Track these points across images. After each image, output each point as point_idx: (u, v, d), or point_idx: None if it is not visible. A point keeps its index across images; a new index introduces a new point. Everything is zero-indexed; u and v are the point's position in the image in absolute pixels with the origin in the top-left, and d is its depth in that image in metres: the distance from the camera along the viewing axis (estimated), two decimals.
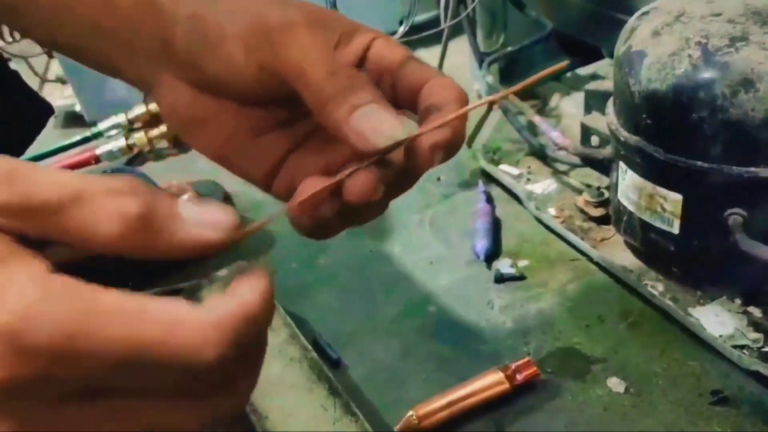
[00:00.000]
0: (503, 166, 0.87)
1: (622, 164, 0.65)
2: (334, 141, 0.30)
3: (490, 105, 0.95)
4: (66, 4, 0.33)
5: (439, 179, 0.90)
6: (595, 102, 0.77)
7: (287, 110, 0.34)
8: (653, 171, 0.61)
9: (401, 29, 0.85)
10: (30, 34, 0.36)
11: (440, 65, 0.92)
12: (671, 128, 0.58)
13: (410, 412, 0.58)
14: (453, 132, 0.29)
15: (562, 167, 0.83)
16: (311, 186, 0.28)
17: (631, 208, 0.65)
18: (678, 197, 0.59)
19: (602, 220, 0.74)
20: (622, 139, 0.63)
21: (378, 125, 0.27)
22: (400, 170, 0.30)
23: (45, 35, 0.35)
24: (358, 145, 0.27)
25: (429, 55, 1.09)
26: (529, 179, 0.84)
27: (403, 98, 0.32)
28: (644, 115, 0.59)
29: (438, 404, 0.58)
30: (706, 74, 0.55)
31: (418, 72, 0.31)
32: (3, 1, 0.34)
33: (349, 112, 0.28)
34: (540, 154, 0.85)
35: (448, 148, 0.29)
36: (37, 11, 0.34)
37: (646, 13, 0.62)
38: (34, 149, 0.83)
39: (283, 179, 0.33)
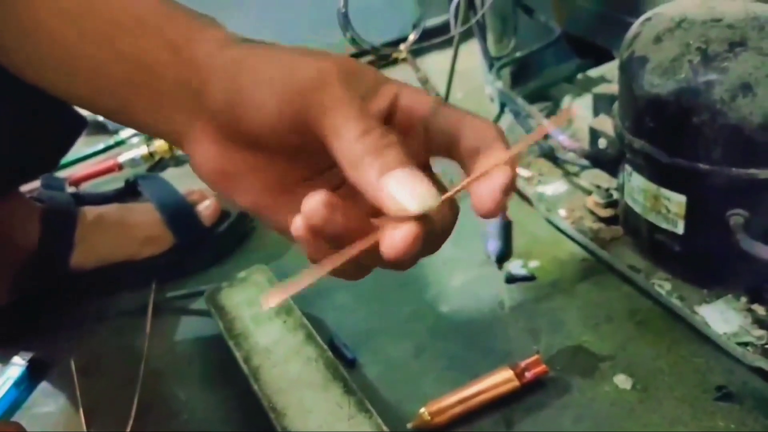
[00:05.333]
0: None
1: (627, 166, 0.66)
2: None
3: (502, 106, 0.97)
4: (101, 60, 0.34)
5: (452, 181, 0.91)
6: (602, 105, 0.79)
7: (316, 161, 0.34)
8: (657, 173, 0.62)
9: (412, 35, 0.87)
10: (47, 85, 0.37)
11: (452, 69, 0.93)
12: (674, 132, 0.59)
13: (423, 409, 0.60)
14: (512, 169, 0.29)
15: (573, 169, 0.85)
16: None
17: (636, 209, 0.66)
18: (681, 199, 0.61)
19: (611, 221, 0.75)
20: (627, 142, 0.64)
21: (411, 190, 0.27)
22: (437, 228, 0.30)
23: (67, 89, 0.36)
24: (391, 209, 0.27)
25: (441, 58, 1.11)
26: (540, 181, 0.85)
27: (437, 145, 0.33)
28: (647, 119, 0.61)
29: (450, 401, 0.60)
30: (706, 79, 0.56)
31: (451, 116, 0.32)
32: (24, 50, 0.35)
33: (380, 174, 0.27)
34: (550, 156, 0.86)
35: (510, 188, 0.29)
36: (63, 66, 0.35)
37: (648, 19, 0.64)
38: None
39: None
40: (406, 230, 0.27)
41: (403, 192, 0.27)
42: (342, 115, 0.29)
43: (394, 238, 0.27)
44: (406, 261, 0.28)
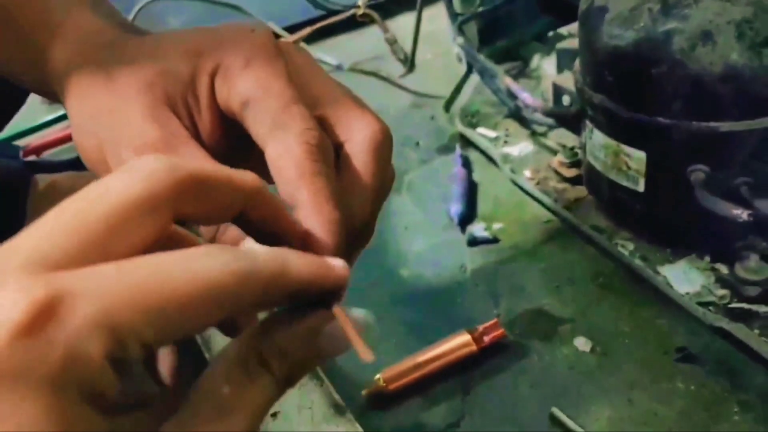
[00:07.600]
0: (481, 129, 0.86)
1: (588, 123, 0.64)
2: None
3: (470, 67, 0.93)
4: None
5: (417, 144, 0.89)
6: (566, 61, 0.76)
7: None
8: (617, 129, 0.60)
9: None
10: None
11: (417, 27, 0.90)
12: (633, 85, 0.57)
13: (378, 375, 0.58)
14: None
15: (540, 129, 0.82)
16: None
17: (598, 167, 0.64)
18: (642, 155, 0.59)
19: (576, 181, 0.73)
20: (587, 97, 0.62)
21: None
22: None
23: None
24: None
25: (411, 20, 1.07)
26: (506, 142, 0.83)
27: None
28: (606, 73, 0.59)
29: (405, 366, 0.58)
30: (666, 28, 0.54)
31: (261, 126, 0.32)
32: None
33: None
34: (517, 116, 0.84)
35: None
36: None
37: None
38: (14, 126, 0.84)
39: None
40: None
41: None
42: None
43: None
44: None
